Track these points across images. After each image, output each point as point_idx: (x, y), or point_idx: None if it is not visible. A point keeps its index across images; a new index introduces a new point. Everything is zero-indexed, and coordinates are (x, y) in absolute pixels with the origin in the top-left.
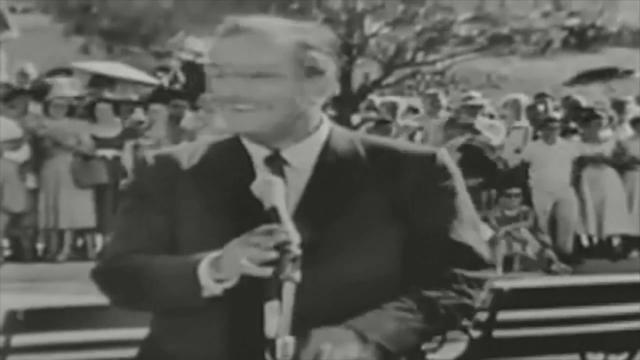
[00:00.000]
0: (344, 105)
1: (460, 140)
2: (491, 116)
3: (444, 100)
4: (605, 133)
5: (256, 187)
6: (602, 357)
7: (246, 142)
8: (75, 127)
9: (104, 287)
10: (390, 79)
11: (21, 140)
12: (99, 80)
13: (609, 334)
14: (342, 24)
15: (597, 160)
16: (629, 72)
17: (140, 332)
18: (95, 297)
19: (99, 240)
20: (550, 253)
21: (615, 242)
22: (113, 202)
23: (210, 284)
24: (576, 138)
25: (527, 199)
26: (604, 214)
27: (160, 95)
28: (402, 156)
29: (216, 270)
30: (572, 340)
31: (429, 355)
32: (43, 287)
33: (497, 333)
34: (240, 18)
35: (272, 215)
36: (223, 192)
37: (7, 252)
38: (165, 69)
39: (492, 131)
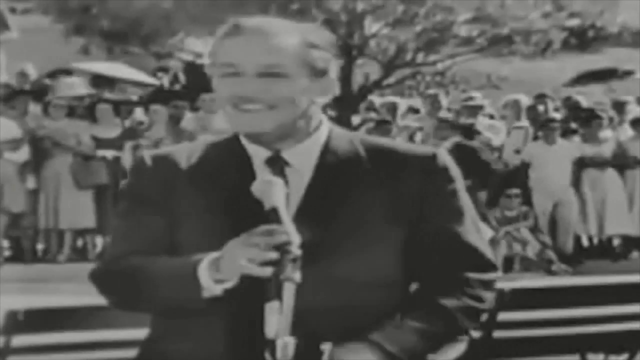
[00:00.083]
0: (344, 105)
1: (453, 140)
2: (491, 117)
3: (444, 101)
4: (606, 133)
5: (256, 188)
6: (603, 357)
7: (245, 142)
8: (75, 128)
9: (103, 289)
10: (391, 80)
11: (21, 140)
12: (99, 81)
13: (609, 334)
14: (342, 25)
15: (597, 161)
16: (628, 73)
17: (141, 333)
18: (95, 298)
19: (99, 241)
20: (550, 253)
21: (616, 242)
22: (113, 203)
23: (211, 284)
24: (577, 138)
25: (527, 200)
26: (605, 215)
27: (160, 95)
28: (403, 157)
29: (216, 271)
30: (572, 340)
31: (429, 356)
32: (43, 287)
33: (498, 334)
34: (244, 18)
35: (273, 216)
36: (222, 192)
37: (7, 253)
38: (166, 70)
39: (492, 131)
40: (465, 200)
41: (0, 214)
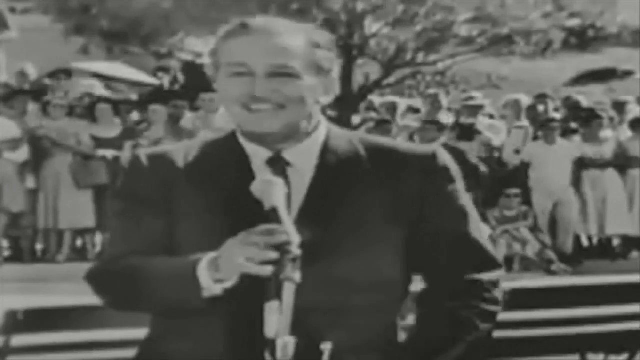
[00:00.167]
0: (345, 105)
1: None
2: (491, 116)
3: (444, 101)
4: (606, 133)
5: (256, 188)
6: (603, 357)
7: (243, 141)
8: (75, 127)
9: (100, 289)
10: (391, 79)
11: (21, 140)
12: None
13: (609, 334)
14: (343, 25)
15: (597, 161)
16: (628, 73)
17: (140, 333)
18: (95, 298)
19: (99, 240)
20: (550, 253)
21: (615, 242)
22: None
23: (210, 284)
24: (577, 138)
25: (527, 200)
26: (606, 215)
27: (160, 95)
28: (403, 156)
29: (216, 271)
30: (572, 340)
31: None
32: (43, 287)
33: (497, 334)
34: (249, 18)
35: (272, 216)
36: (221, 191)
37: (6, 253)
38: (166, 70)
39: (492, 131)
40: (466, 198)
41: None
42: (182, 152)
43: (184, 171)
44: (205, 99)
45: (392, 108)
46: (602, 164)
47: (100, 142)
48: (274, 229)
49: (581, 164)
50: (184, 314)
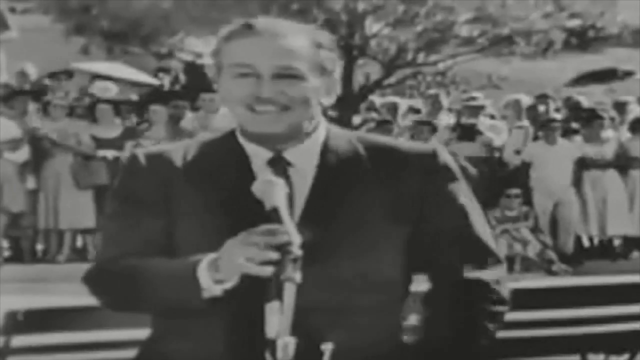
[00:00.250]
0: (345, 105)
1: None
2: (492, 117)
3: (445, 101)
4: (607, 134)
5: (257, 188)
6: (603, 357)
7: (243, 141)
8: (75, 128)
9: (98, 290)
10: (391, 80)
11: (21, 140)
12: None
13: (610, 334)
14: (343, 25)
15: (598, 161)
16: (629, 74)
17: (140, 333)
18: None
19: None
20: (551, 254)
21: (616, 242)
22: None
23: (211, 285)
24: (578, 138)
25: (527, 200)
26: (607, 215)
27: (160, 95)
28: (403, 155)
29: (216, 271)
30: (572, 341)
31: None
32: (43, 287)
33: (498, 333)
34: (252, 19)
35: (273, 216)
36: (221, 191)
37: (6, 253)
38: (166, 70)
39: (494, 132)
40: (468, 195)
41: None
42: (180, 151)
43: (183, 171)
44: (205, 99)
45: (392, 108)
46: (603, 165)
47: (100, 143)
48: (274, 229)
49: (582, 164)
50: (184, 315)
